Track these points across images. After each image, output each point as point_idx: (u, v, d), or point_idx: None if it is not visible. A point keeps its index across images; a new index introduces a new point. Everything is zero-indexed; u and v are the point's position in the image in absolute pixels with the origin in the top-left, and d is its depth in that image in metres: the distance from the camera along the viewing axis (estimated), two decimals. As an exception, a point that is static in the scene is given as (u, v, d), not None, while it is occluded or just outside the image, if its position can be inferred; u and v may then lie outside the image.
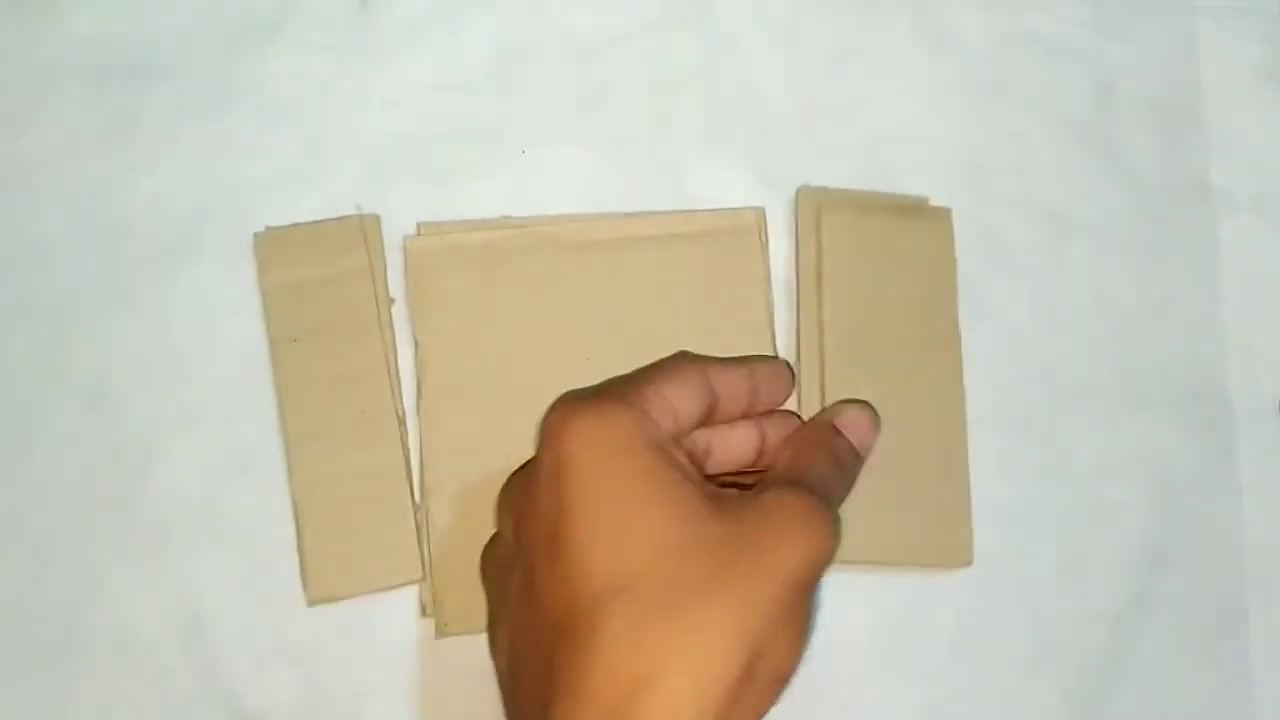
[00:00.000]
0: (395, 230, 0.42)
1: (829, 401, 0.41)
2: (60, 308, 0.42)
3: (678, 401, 0.33)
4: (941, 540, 0.41)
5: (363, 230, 0.42)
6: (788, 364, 0.40)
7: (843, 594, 0.41)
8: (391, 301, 0.42)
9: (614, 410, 0.30)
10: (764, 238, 0.42)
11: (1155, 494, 0.42)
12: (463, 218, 0.42)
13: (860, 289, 0.42)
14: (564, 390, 0.41)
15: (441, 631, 0.40)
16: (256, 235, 0.42)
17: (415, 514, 0.40)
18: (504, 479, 0.37)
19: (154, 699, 0.40)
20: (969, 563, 0.41)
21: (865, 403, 0.39)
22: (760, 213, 0.42)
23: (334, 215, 0.42)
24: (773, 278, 0.42)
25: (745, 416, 0.37)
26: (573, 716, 0.27)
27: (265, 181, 0.42)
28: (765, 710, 0.30)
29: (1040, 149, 0.45)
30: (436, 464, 0.40)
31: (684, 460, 0.31)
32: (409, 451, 0.41)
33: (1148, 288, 0.44)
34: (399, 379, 0.41)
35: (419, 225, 0.42)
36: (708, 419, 0.35)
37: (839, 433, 0.37)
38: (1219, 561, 0.42)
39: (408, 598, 0.40)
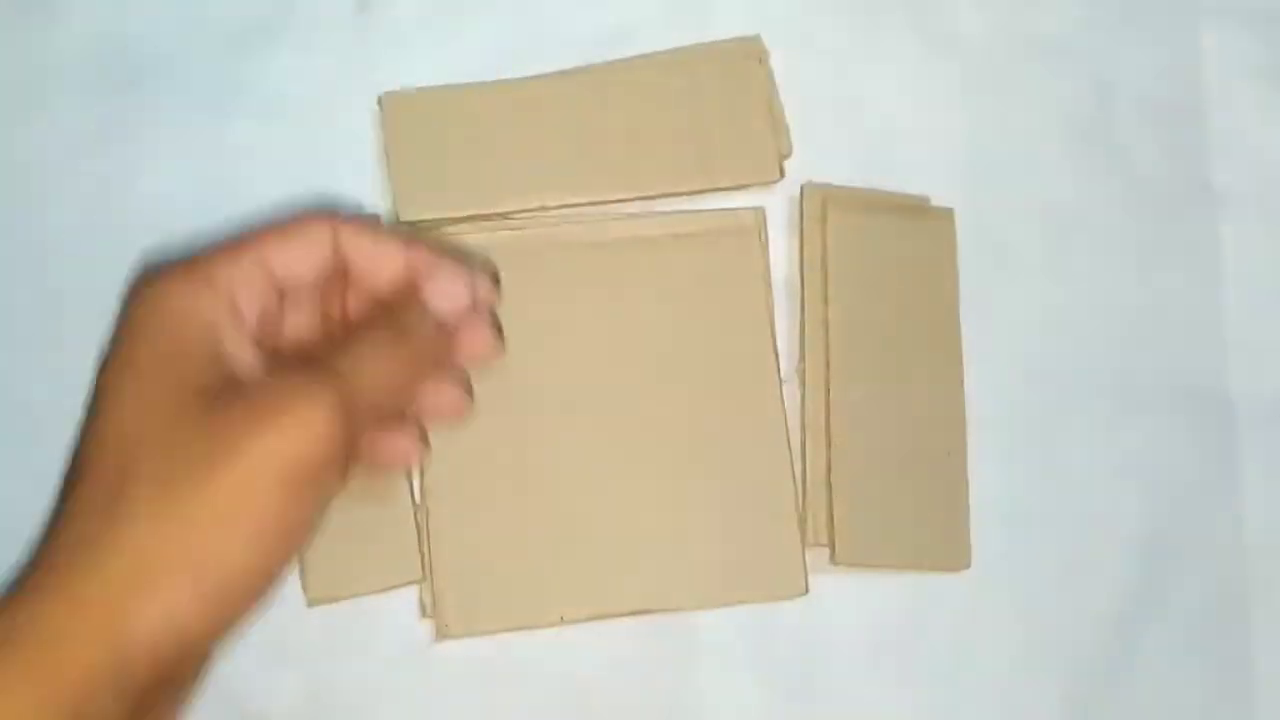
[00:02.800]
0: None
1: (834, 402, 0.41)
2: (60, 308, 0.42)
3: (279, 262, 0.31)
4: (940, 544, 0.41)
5: (363, 230, 0.42)
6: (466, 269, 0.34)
7: (843, 595, 0.41)
8: (391, 301, 0.42)
9: (174, 286, 0.30)
10: (764, 238, 0.42)
11: (1155, 494, 0.42)
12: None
13: (864, 289, 0.42)
14: (563, 390, 0.41)
15: (442, 633, 0.40)
16: (256, 235, 0.42)
17: (415, 514, 0.40)
18: (504, 478, 0.36)
19: (154, 699, 0.40)
20: (967, 566, 0.41)
21: (461, 266, 0.33)
22: (760, 212, 0.42)
23: (334, 215, 0.42)
24: (773, 277, 0.42)
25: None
26: (78, 600, 0.26)
27: (265, 181, 0.42)
28: (228, 615, 0.27)
29: (1041, 149, 0.44)
30: (436, 464, 0.40)
31: (223, 340, 0.29)
32: (409, 451, 0.41)
33: (1148, 288, 0.44)
34: (399, 379, 0.41)
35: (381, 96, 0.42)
36: (340, 280, 0.33)
37: (418, 305, 0.32)
38: (1219, 562, 0.42)
39: (408, 598, 0.40)
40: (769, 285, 0.42)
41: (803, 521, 0.41)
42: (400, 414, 0.34)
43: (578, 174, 0.42)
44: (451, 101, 0.42)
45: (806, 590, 0.40)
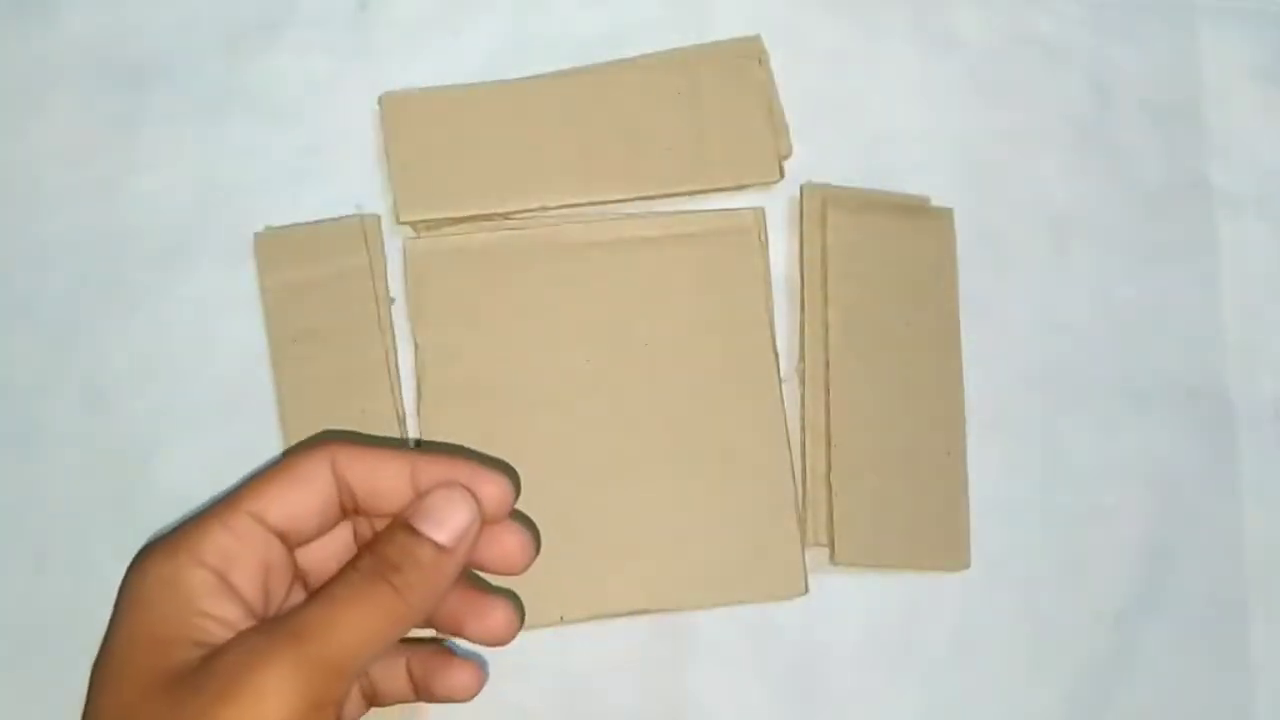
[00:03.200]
0: (395, 230, 0.42)
1: (833, 402, 0.41)
2: (60, 308, 0.42)
3: (276, 512, 0.30)
4: (939, 544, 0.41)
5: (363, 230, 0.42)
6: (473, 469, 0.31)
7: (842, 595, 0.41)
8: (391, 301, 0.42)
9: (157, 565, 0.29)
10: (763, 238, 0.42)
11: (1155, 494, 0.42)
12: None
13: (864, 289, 0.42)
14: (562, 390, 0.41)
15: (441, 633, 0.40)
16: (256, 235, 0.42)
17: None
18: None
19: (154, 699, 0.40)
20: (966, 566, 0.41)
21: (458, 485, 0.30)
22: (759, 213, 0.42)
23: (334, 215, 0.42)
24: (773, 277, 0.42)
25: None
26: None
27: (265, 181, 0.42)
28: None
29: (1040, 149, 0.45)
30: (436, 464, 0.40)
31: (204, 616, 0.28)
32: (409, 451, 0.41)
33: (1148, 288, 0.44)
34: (399, 379, 0.41)
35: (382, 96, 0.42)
36: (354, 508, 0.31)
37: (407, 531, 0.30)
38: (1219, 561, 0.42)
39: (407, 598, 0.40)
40: (769, 285, 0.42)
41: (802, 521, 0.41)
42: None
43: (578, 174, 0.42)
44: (451, 101, 0.42)
45: (806, 590, 0.40)
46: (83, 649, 0.40)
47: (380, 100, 0.42)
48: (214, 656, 0.27)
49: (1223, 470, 0.43)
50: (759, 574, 0.40)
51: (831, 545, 0.40)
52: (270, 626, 0.28)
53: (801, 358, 0.42)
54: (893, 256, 0.42)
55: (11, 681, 0.40)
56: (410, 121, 0.42)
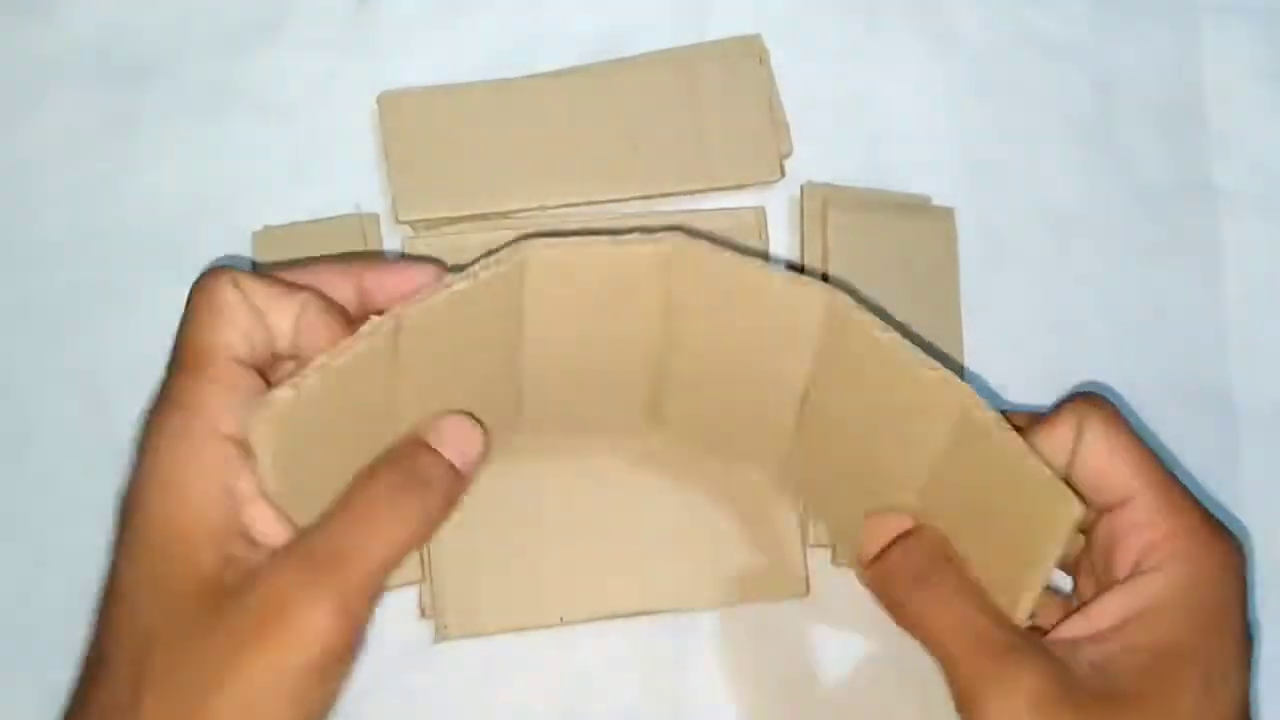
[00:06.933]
0: (394, 229, 0.42)
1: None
2: (59, 308, 0.42)
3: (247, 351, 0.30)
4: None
5: (361, 229, 0.42)
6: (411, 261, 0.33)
7: (844, 596, 0.41)
8: (391, 301, 0.42)
9: (169, 446, 0.29)
10: (764, 238, 0.42)
11: (1156, 494, 0.42)
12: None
13: (864, 288, 0.42)
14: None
15: (441, 634, 0.40)
16: (255, 234, 0.42)
17: (415, 514, 0.40)
18: (504, 477, 0.36)
19: (153, 699, 0.40)
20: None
21: (468, 417, 0.32)
22: (760, 212, 0.42)
23: (332, 214, 0.42)
24: (773, 277, 0.42)
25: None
26: None
27: (264, 181, 0.42)
28: None
29: (1042, 148, 0.44)
30: (436, 464, 0.40)
31: (248, 500, 0.28)
32: (408, 451, 0.41)
33: (1149, 287, 0.44)
34: (398, 379, 0.41)
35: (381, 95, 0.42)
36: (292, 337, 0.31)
37: (429, 450, 0.30)
38: (1221, 562, 0.42)
39: (408, 598, 0.40)
40: (769, 285, 0.42)
41: (804, 522, 0.40)
42: None
43: (578, 174, 0.42)
44: (450, 101, 0.42)
45: (808, 591, 0.40)
46: (82, 649, 0.40)
47: (379, 99, 0.42)
48: (252, 586, 0.27)
49: (1224, 470, 0.43)
50: (759, 574, 0.40)
51: (834, 546, 0.40)
52: (305, 553, 0.28)
53: (802, 357, 0.42)
54: (894, 256, 0.42)
55: (11, 681, 0.40)
56: (409, 121, 0.42)
